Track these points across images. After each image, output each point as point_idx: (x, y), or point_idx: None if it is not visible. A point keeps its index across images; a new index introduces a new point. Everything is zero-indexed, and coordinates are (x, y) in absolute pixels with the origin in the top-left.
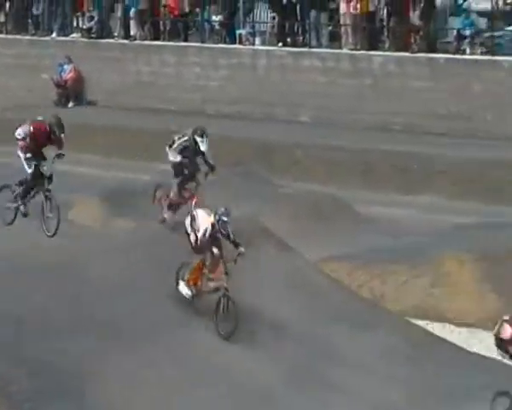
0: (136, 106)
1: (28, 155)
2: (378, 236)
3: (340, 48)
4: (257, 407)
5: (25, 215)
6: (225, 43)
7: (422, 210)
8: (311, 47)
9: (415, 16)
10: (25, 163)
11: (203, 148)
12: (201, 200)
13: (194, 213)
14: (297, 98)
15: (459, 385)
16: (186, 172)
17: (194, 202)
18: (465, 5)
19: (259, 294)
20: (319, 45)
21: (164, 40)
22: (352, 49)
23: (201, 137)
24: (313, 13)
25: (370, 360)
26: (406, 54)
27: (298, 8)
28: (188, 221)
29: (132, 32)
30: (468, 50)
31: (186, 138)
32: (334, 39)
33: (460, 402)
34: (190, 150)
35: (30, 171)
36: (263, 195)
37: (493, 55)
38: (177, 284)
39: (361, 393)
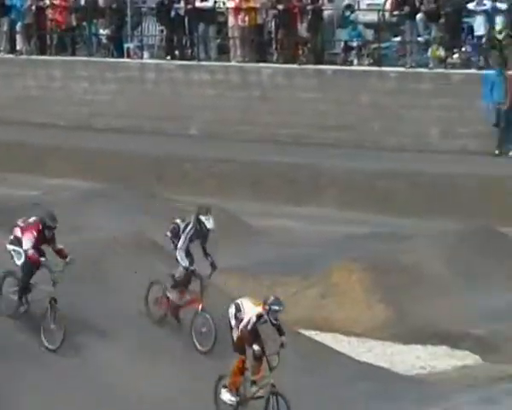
0: (24, 120)
1: (42, 259)
2: (269, 247)
3: (229, 60)
4: None
5: (25, 312)
6: (113, 56)
7: (312, 221)
8: (199, 60)
9: (302, 28)
10: (14, 255)
11: (209, 225)
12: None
13: (239, 302)
14: (186, 111)
15: (348, 395)
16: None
17: (200, 307)
18: (352, 17)
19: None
20: (208, 58)
21: (51, 54)
22: (240, 62)
23: (206, 214)
24: (201, 26)
25: None
26: (294, 66)
27: (186, 21)
28: (232, 311)
29: (18, 47)
30: (355, 62)
31: (191, 226)
32: (223, 52)
33: None
34: (196, 234)
35: (19, 263)
36: (152, 209)
37: (380, 66)
38: (218, 393)
39: (250, 404)
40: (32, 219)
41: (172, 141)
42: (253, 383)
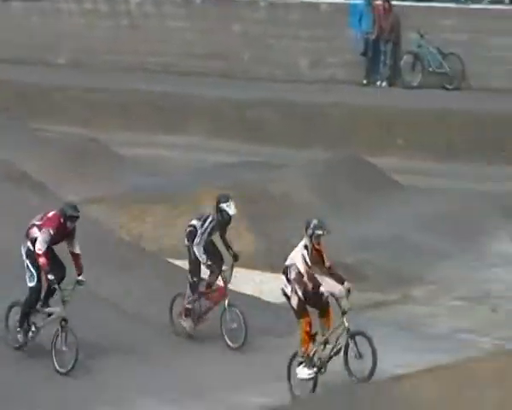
0: None
1: (50, 276)
2: (138, 176)
3: None
4: None
5: (25, 343)
6: None
7: (181, 150)
8: None
9: None
10: (27, 273)
11: (231, 211)
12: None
13: (286, 263)
14: (54, 41)
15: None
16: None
17: (226, 302)
18: None
19: (14, 239)
20: None
21: None
22: None
23: (227, 201)
24: None
25: (132, 303)
26: None
27: None
28: (283, 277)
29: None
30: None
31: (210, 219)
32: None
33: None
34: (218, 226)
35: (31, 284)
36: (20, 139)
37: None
38: (292, 371)
39: (124, 332)
40: (50, 213)
41: (40, 70)
42: (326, 342)
